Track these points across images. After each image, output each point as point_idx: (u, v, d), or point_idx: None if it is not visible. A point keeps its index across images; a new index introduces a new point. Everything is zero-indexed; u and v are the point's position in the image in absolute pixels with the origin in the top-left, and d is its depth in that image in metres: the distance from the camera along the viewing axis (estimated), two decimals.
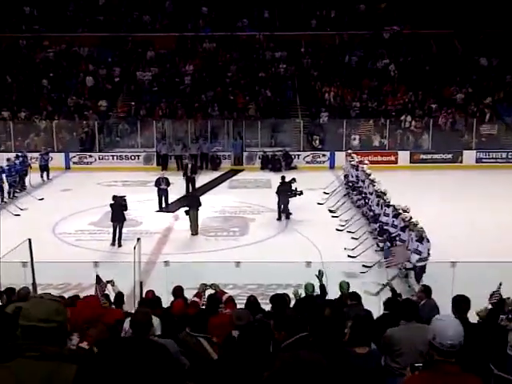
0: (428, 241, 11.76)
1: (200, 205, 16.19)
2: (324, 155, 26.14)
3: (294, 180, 17.98)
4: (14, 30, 31.60)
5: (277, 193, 17.55)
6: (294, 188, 17.82)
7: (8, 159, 21.06)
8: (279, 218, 17.53)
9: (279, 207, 17.57)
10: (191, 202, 16.39)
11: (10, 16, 32.05)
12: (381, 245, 14.24)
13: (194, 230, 16.03)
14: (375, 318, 6.74)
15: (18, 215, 18.10)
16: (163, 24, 32.07)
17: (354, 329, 4.62)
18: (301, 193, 17.73)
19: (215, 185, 22.69)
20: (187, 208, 16.14)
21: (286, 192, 17.50)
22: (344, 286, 8.78)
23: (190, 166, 21.33)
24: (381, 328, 5.28)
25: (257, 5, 32.19)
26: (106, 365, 1.87)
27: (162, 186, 18.30)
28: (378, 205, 15.20)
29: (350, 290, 8.49)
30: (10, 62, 30.12)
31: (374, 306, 7.76)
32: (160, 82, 29.30)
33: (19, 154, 22.40)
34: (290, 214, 17.70)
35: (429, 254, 11.66)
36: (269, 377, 2.87)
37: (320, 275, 9.17)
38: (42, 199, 19.84)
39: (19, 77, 29.46)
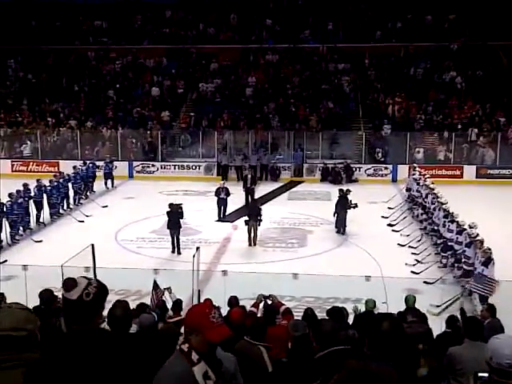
0: (494, 264, 11.23)
1: (260, 216, 16.13)
2: (386, 168, 25.68)
3: (348, 191, 17.69)
4: (83, 42, 32.77)
5: (336, 206, 17.33)
6: (348, 200, 17.54)
7: (74, 167, 21.74)
8: (338, 231, 17.30)
9: (337, 220, 17.36)
10: (251, 212, 16.34)
11: (79, 29, 33.29)
12: (444, 261, 13.78)
13: (253, 240, 16.00)
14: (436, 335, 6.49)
15: (83, 221, 18.59)
16: (227, 36, 32.46)
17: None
18: (355, 205, 17.39)
19: (274, 196, 22.63)
20: (247, 218, 16.12)
21: (343, 205, 17.25)
22: (410, 301, 8.45)
23: (249, 176, 21.39)
24: (442, 346, 5.06)
25: (320, 17, 32.12)
26: (53, 364, 1.85)
27: (221, 196, 18.40)
28: (441, 220, 14.75)
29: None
30: (78, 73, 31.21)
31: (435, 325, 7.45)
32: (222, 94, 29.63)
33: (86, 161, 23.08)
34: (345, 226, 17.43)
35: (493, 280, 11.00)
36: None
37: (357, 310, 8.83)
38: (106, 206, 20.30)
39: (87, 87, 30.48)
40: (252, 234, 15.96)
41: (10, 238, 16.15)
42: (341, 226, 17.23)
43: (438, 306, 10.93)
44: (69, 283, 2.42)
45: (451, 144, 26.03)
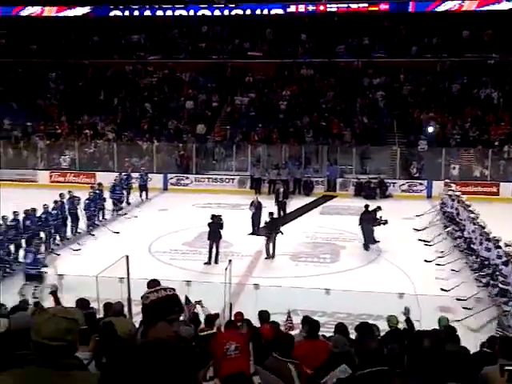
0: None
1: (278, 229, 16.36)
2: (421, 184, 25.40)
3: (379, 208, 17.62)
4: (121, 56, 33.41)
5: (360, 221, 17.27)
6: (378, 217, 17.44)
7: (115, 178, 22.17)
8: (366, 248, 17.19)
9: (364, 236, 17.27)
10: (271, 226, 16.52)
11: (118, 43, 34.00)
12: (484, 280, 13.52)
13: (271, 254, 16.16)
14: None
15: (118, 232, 18.86)
16: (262, 51, 32.70)
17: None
18: (385, 222, 17.30)
19: (307, 210, 22.60)
20: (268, 232, 16.33)
21: (368, 221, 17.18)
22: (443, 322, 8.34)
23: (281, 190, 21.42)
24: (477, 366, 4.98)
25: (356, 32, 32.12)
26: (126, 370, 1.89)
27: (254, 210, 18.48)
28: (477, 238, 14.53)
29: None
30: (116, 86, 31.84)
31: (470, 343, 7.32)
32: (257, 107, 29.81)
33: (123, 173, 23.46)
34: (378, 241, 17.32)
35: None
36: None
37: (406, 311, 8.78)
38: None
39: (124, 100, 31.04)
40: (270, 247, 16.12)
41: (45, 248, 16.49)
42: (368, 242, 17.15)
43: (457, 321, 10.77)
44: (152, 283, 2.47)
45: (487, 160, 25.63)
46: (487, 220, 14.87)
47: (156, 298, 2.36)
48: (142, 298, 2.41)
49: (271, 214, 16.91)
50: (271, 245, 16.13)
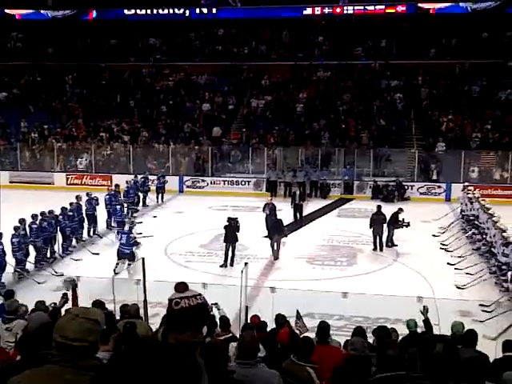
0: None
1: (282, 231, 16.43)
2: (440, 187, 25.09)
3: (400, 210, 17.40)
4: (138, 59, 33.52)
5: (370, 222, 17.15)
6: (401, 219, 17.24)
7: (127, 181, 22.10)
8: (375, 248, 17.08)
9: (374, 237, 17.12)
10: (274, 228, 16.52)
11: (134, 46, 34.12)
12: (505, 285, 13.25)
13: (276, 255, 16.17)
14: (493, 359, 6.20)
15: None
16: (279, 53, 32.62)
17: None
18: (408, 224, 17.12)
19: (324, 213, 22.43)
20: (271, 233, 16.39)
21: (379, 222, 17.06)
22: (458, 328, 8.07)
23: (297, 193, 21.28)
24: (498, 371, 4.82)
25: (373, 34, 31.91)
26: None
27: (268, 212, 18.35)
28: (497, 242, 14.26)
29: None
30: (132, 89, 31.92)
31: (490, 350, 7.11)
32: (273, 110, 29.70)
33: (139, 175, 23.43)
34: (396, 245, 17.20)
35: None
36: None
37: (425, 311, 8.55)
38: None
39: (140, 103, 31.11)
40: (275, 249, 16.16)
41: (63, 249, 16.50)
42: (382, 243, 17.12)
43: (481, 321, 10.61)
44: (181, 286, 2.36)
45: (508, 164, 25.25)
46: (507, 223, 14.59)
47: (187, 306, 2.24)
48: (170, 300, 2.28)
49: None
50: (275, 246, 16.16)
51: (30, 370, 2.34)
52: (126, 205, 20.57)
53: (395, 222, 17.19)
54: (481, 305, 12.12)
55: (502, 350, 6.88)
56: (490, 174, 25.51)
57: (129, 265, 14.19)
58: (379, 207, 17.59)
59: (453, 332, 8.03)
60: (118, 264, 14.49)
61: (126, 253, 14.64)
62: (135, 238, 15.21)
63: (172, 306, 2.25)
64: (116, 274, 13.84)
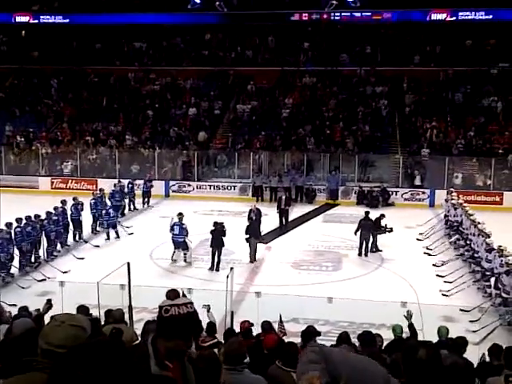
0: None
1: (259, 234, 16.83)
2: (424, 193, 25.30)
3: (382, 216, 17.59)
4: (123, 63, 33.43)
5: (358, 227, 17.27)
6: (383, 225, 17.39)
7: (114, 185, 22.05)
8: (360, 254, 17.20)
9: (361, 243, 17.25)
10: (252, 230, 16.63)
11: (120, 50, 34.05)
12: (489, 291, 13.39)
13: (253, 257, 16.38)
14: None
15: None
16: (265, 59, 32.73)
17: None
18: (391, 230, 17.29)
19: (309, 218, 22.50)
20: (247, 236, 16.44)
21: (367, 228, 17.19)
22: (443, 332, 8.18)
23: (283, 198, 21.35)
24: (482, 376, 4.90)
25: (359, 40, 32.15)
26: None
27: (254, 217, 18.36)
28: (480, 247, 14.43)
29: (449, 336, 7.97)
30: (118, 93, 31.84)
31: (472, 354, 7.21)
32: (259, 115, 29.77)
33: (121, 180, 23.31)
34: (380, 250, 17.34)
35: None
36: None
37: (409, 315, 8.64)
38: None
39: (126, 107, 31.02)
40: (252, 252, 16.39)
41: (47, 254, 16.39)
42: (366, 249, 17.24)
43: (474, 332, 10.74)
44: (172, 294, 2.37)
45: (491, 170, 25.54)
46: (490, 229, 14.77)
47: (177, 314, 2.26)
48: (160, 307, 2.30)
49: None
50: (252, 249, 16.33)
51: (14, 377, 2.30)
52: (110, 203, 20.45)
53: (378, 228, 17.33)
54: (461, 310, 12.26)
55: (488, 355, 6.99)
56: (473, 180, 25.77)
57: (184, 254, 16.04)
58: (367, 213, 17.72)
59: (439, 336, 8.15)
60: (174, 252, 16.10)
61: (180, 241, 16.02)
62: (187, 229, 16.33)
63: (162, 313, 2.26)
64: (173, 261, 16.05)
